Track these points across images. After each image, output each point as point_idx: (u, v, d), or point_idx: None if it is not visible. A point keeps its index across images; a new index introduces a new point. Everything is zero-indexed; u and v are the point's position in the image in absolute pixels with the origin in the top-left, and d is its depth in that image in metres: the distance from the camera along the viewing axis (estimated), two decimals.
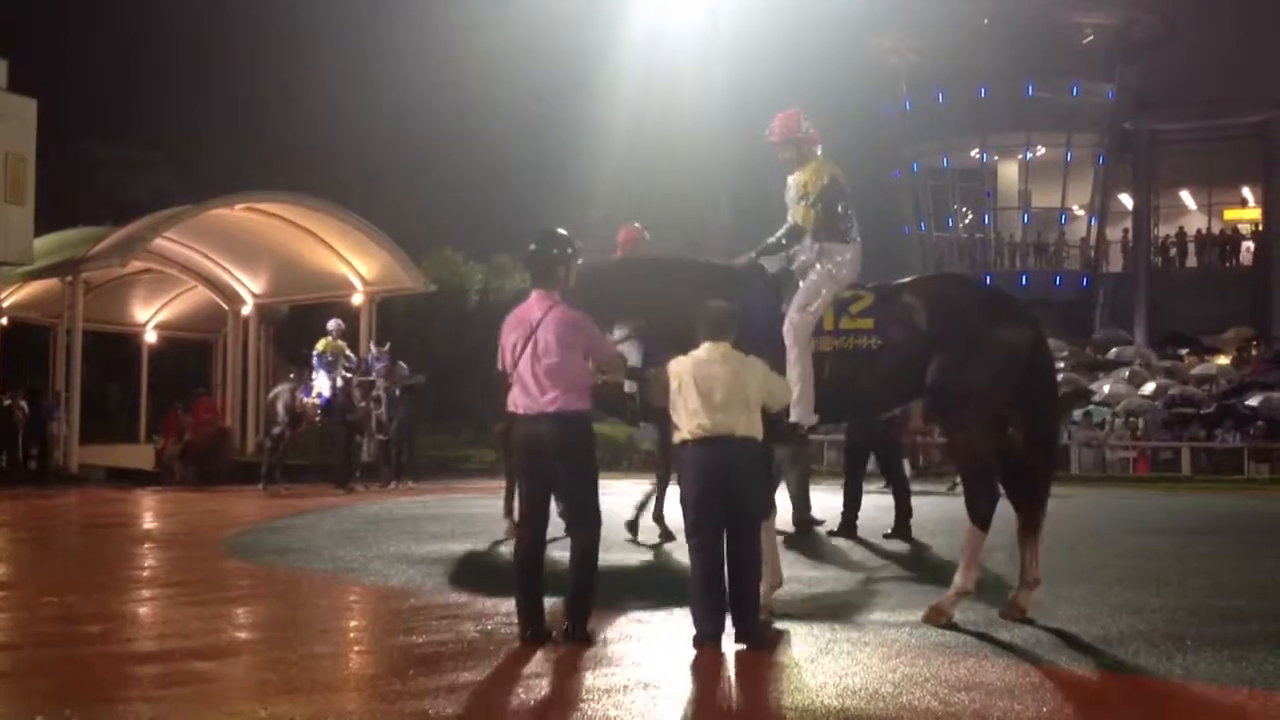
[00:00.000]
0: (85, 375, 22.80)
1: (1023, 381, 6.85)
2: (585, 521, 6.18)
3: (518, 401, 6.15)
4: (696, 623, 5.97)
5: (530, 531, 6.24)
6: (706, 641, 5.88)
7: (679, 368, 6.21)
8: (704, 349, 6.22)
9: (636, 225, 11.04)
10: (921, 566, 9.32)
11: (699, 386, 6.08)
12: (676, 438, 6.23)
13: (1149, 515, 14.89)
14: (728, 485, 6.03)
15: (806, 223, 7.29)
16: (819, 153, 7.64)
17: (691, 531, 6.11)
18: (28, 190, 22.06)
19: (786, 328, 6.97)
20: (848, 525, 11.40)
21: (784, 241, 7.36)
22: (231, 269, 25.74)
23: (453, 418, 28.69)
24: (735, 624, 5.95)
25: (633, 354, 9.63)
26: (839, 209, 7.34)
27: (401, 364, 20.00)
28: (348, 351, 19.36)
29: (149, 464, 23.54)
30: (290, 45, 39.12)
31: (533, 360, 6.08)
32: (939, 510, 12.84)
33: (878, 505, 12.14)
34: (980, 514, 6.70)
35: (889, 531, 11.24)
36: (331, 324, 19.18)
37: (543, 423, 6.08)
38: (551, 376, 6.06)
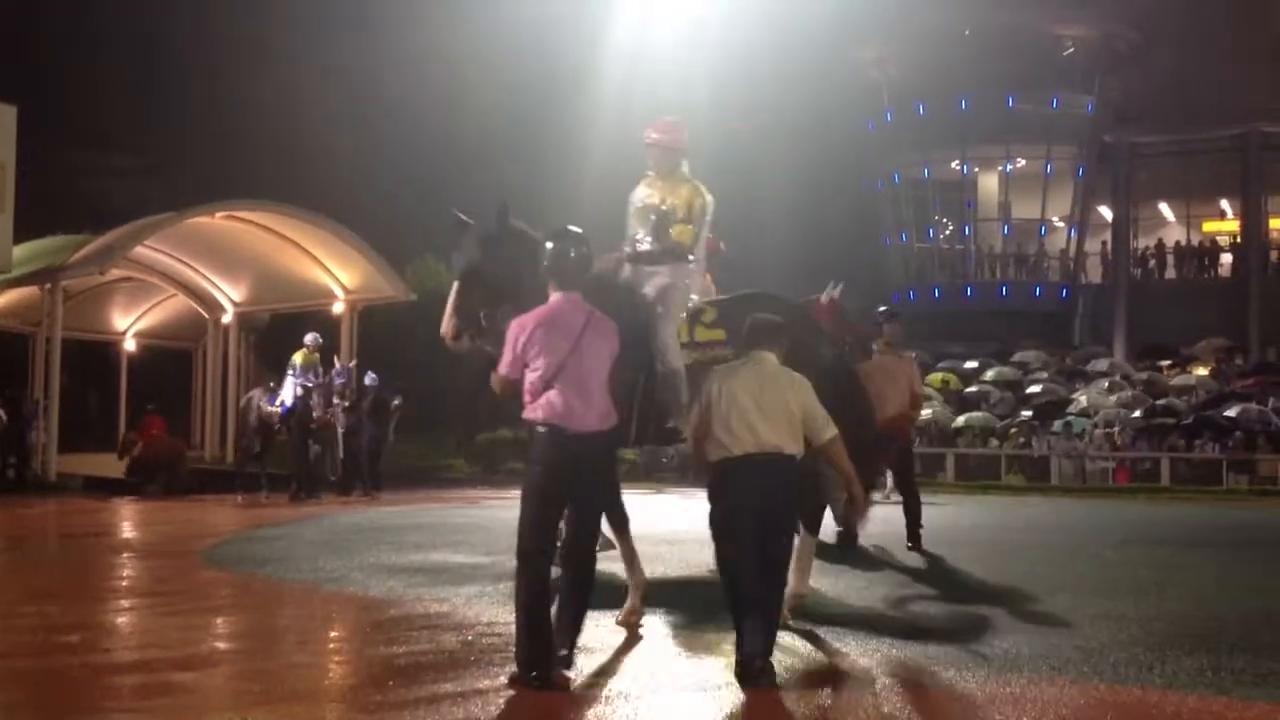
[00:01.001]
0: (64, 384, 22.68)
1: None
2: (595, 542, 5.85)
3: (563, 415, 5.50)
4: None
5: (545, 562, 5.56)
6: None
7: (720, 379, 5.85)
8: (749, 359, 5.92)
9: (709, 236, 11.06)
10: (911, 575, 9.32)
11: (741, 400, 5.72)
12: (713, 454, 5.78)
13: (1128, 526, 14.94)
14: (767, 506, 5.64)
15: (687, 243, 7.36)
16: (687, 170, 7.58)
17: (727, 553, 5.74)
18: (7, 197, 21.93)
19: (667, 341, 7.16)
20: (849, 535, 11.10)
21: (659, 256, 7.40)
22: (212, 277, 25.67)
23: (434, 428, 28.65)
24: (743, 653, 5.46)
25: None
26: (704, 234, 7.56)
27: (371, 378, 19.83)
28: (321, 367, 19.06)
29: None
30: (273, 54, 39.07)
31: (581, 370, 5.54)
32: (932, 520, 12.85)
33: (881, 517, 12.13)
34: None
35: (910, 544, 10.86)
36: (309, 338, 18.87)
37: (597, 441, 5.60)
38: (602, 389, 5.63)
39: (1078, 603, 7.76)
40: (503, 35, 36.82)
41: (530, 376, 5.56)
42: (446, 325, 6.75)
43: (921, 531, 11.03)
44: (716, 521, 5.79)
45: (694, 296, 7.64)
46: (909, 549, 10.74)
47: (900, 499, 11.54)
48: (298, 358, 18.61)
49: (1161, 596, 8.21)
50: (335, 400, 18.73)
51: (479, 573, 9.20)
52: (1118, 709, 5.24)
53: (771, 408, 5.71)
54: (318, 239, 23.72)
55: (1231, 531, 14.80)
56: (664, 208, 7.42)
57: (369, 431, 19.36)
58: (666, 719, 5.10)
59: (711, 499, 5.86)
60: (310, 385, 18.34)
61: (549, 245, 5.80)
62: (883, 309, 12.25)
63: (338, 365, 19.52)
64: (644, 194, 7.59)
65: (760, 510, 5.61)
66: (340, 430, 18.91)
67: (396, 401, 20.40)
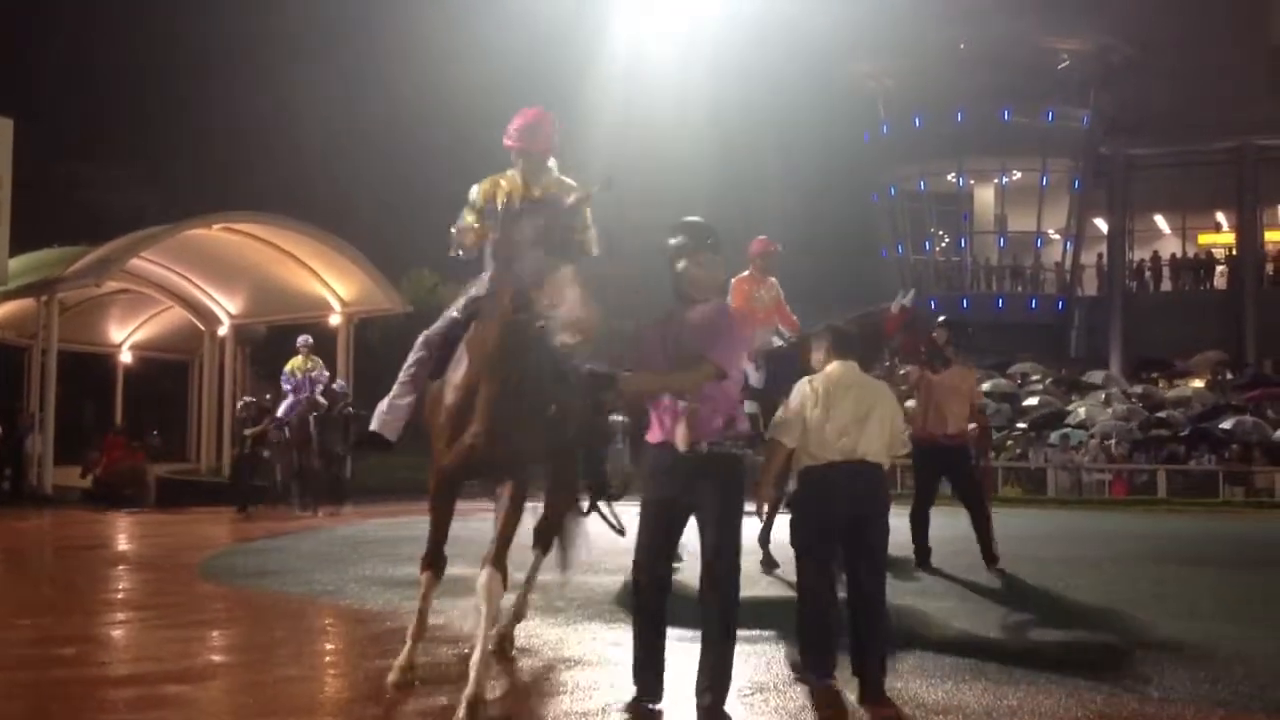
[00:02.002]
0: (60, 396, 22.64)
1: None
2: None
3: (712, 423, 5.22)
4: (812, 662, 5.72)
5: (663, 572, 5.31)
6: (822, 680, 5.64)
7: (813, 386, 5.80)
8: (837, 368, 5.87)
9: (763, 237, 11.02)
10: (908, 587, 9.30)
11: (834, 407, 5.70)
12: (803, 461, 5.74)
13: (1124, 538, 14.94)
14: (858, 513, 5.67)
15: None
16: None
17: (810, 559, 5.74)
18: (3, 210, 21.89)
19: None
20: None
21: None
22: (208, 289, 25.65)
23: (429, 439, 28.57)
24: (862, 670, 5.47)
25: (754, 375, 9.58)
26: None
27: (340, 385, 19.53)
28: (323, 370, 18.89)
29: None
30: (268, 66, 39.09)
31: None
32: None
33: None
34: None
35: (989, 563, 10.06)
36: (300, 340, 18.64)
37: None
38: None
39: (1075, 614, 7.75)
40: (500, 47, 36.88)
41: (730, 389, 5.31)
42: None
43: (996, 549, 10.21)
44: (809, 528, 5.75)
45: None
46: (991, 569, 9.92)
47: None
48: (290, 364, 18.45)
49: (1158, 609, 8.19)
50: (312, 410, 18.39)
51: (475, 585, 9.17)
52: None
53: (867, 417, 5.70)
54: (314, 251, 23.71)
55: (1226, 543, 14.79)
56: (574, 217, 6.45)
57: (337, 438, 18.71)
58: None
59: (801, 507, 5.85)
60: (301, 396, 18.18)
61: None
62: (942, 318, 11.64)
63: (339, 383, 19.50)
64: (542, 201, 6.60)
65: (852, 515, 5.65)
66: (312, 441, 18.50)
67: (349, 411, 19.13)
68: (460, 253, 6.98)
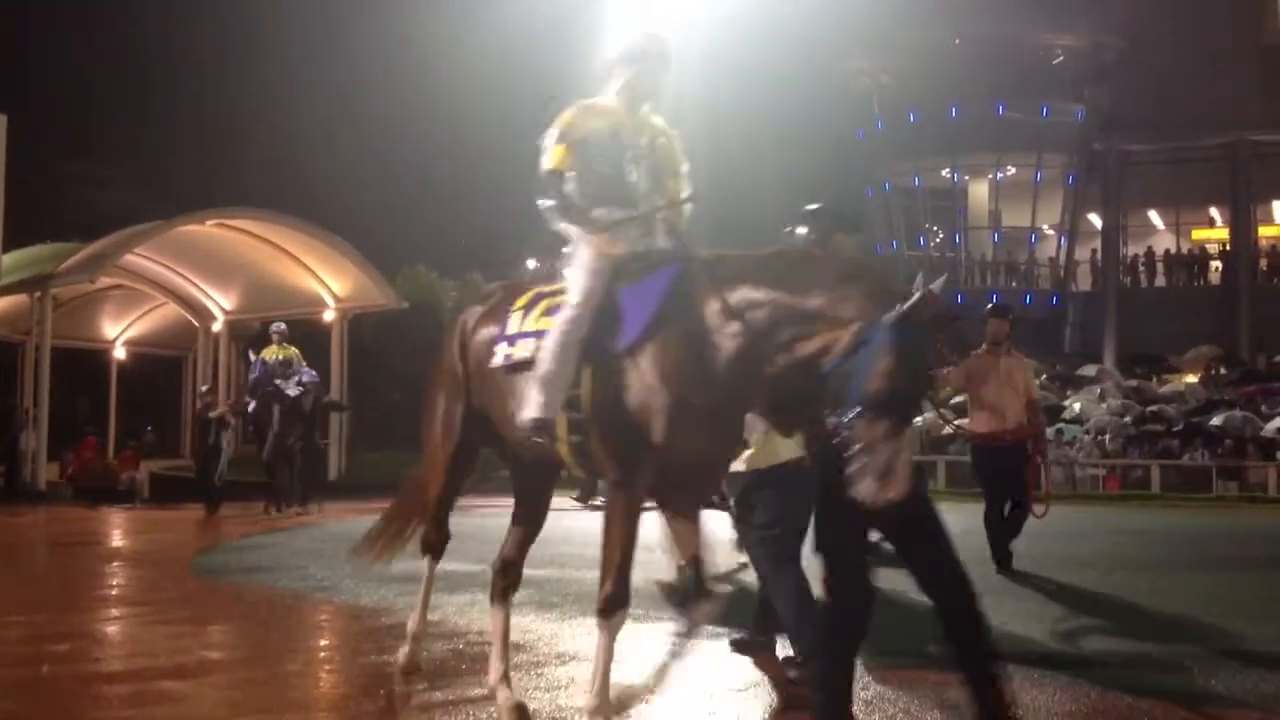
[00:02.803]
0: (53, 392, 22.62)
1: None
2: None
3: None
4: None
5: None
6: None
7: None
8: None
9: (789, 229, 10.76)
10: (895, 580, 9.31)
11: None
12: (762, 463, 5.66)
13: (1118, 533, 14.96)
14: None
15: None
16: None
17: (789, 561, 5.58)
18: None
19: None
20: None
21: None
22: (202, 285, 25.63)
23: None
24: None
25: None
26: None
27: (309, 375, 18.09)
28: (299, 361, 17.95)
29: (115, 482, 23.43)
30: (262, 61, 39.06)
31: None
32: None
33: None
34: None
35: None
36: (274, 328, 18.09)
37: None
38: None
39: (1068, 611, 7.75)
40: (494, 43, 36.83)
41: None
42: None
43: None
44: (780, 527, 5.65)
45: None
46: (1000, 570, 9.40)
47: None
48: (266, 352, 17.77)
49: (1152, 606, 8.21)
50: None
51: (470, 581, 9.16)
52: (1108, 717, 5.24)
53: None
54: (308, 247, 23.69)
55: (1219, 539, 14.81)
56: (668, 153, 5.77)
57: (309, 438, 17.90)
58: None
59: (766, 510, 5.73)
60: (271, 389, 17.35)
61: None
62: (992, 304, 10.68)
63: (308, 373, 18.16)
64: (654, 137, 5.79)
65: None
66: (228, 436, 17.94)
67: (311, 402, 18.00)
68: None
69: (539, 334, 4.80)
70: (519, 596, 8.23)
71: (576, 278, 4.84)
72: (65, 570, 11.34)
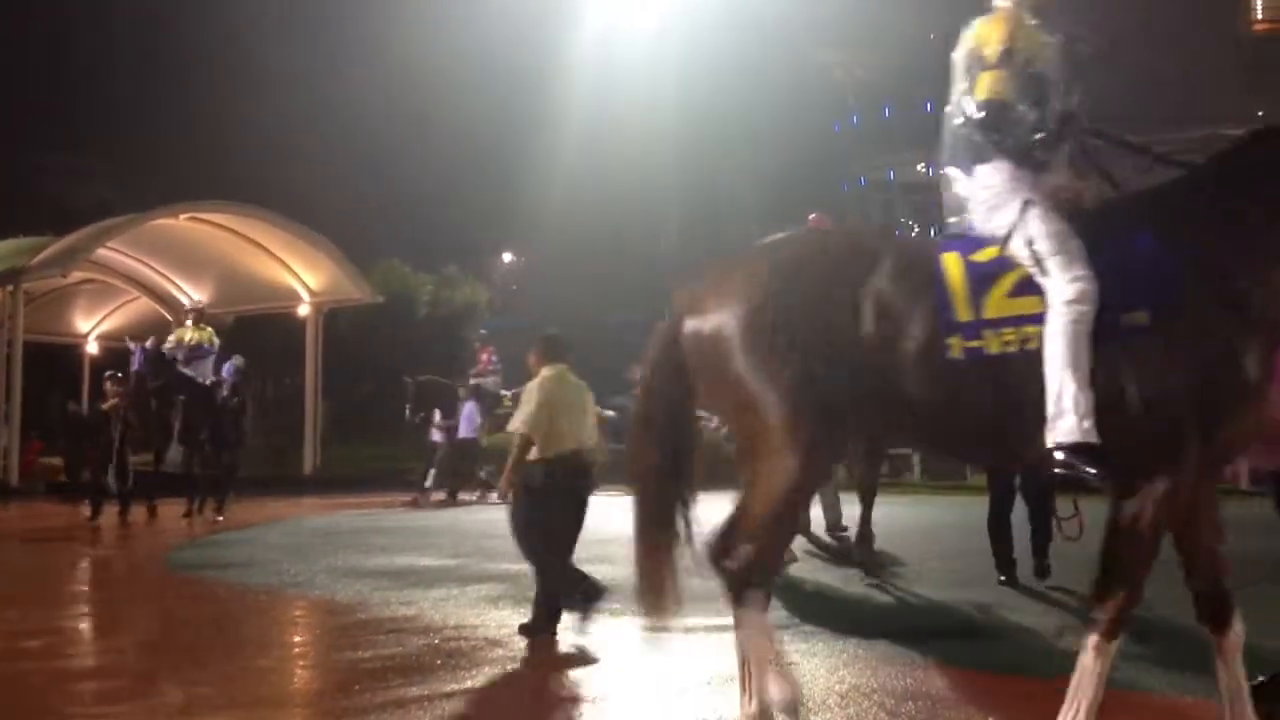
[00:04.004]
0: (26, 387, 22.44)
1: None
2: None
3: None
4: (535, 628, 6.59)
5: None
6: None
7: (541, 387, 6.76)
8: (553, 370, 6.81)
9: (816, 214, 10.60)
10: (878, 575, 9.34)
11: (559, 404, 6.72)
12: (540, 453, 6.61)
13: (1094, 525, 15.03)
14: (582, 495, 6.80)
15: None
16: None
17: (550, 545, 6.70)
18: None
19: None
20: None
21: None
22: (175, 279, 25.48)
23: (398, 429, 28.52)
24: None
25: None
26: None
27: (229, 367, 16.37)
28: (212, 344, 16.39)
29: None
30: (236, 54, 38.83)
31: None
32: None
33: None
34: None
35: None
36: (190, 304, 16.74)
37: None
38: None
39: (1044, 602, 7.79)
40: (469, 37, 36.75)
41: None
42: None
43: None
44: (546, 514, 6.69)
45: None
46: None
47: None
48: (181, 335, 16.38)
49: None
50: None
51: (446, 575, 9.16)
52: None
53: (583, 411, 6.91)
54: (282, 241, 23.59)
55: None
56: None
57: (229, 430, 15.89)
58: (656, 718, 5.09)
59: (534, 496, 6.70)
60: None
61: None
62: None
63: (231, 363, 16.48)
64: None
65: (583, 500, 6.82)
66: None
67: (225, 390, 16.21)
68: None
69: (1014, 321, 3.99)
70: (495, 591, 8.27)
71: (1044, 236, 4.05)
72: (37, 566, 11.24)
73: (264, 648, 6.75)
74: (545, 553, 6.60)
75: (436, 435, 18.81)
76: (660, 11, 37.68)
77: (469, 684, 5.44)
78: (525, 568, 9.42)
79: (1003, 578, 8.41)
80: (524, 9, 37.09)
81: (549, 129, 36.78)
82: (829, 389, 4.05)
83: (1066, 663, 6.01)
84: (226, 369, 16.22)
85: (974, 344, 3.99)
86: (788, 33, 37.53)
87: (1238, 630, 4.07)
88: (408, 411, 18.74)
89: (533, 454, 6.54)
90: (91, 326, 27.65)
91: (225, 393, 15.81)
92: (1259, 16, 43.29)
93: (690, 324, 4.35)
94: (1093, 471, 3.98)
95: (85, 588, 9.72)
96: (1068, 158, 4.58)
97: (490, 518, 15.18)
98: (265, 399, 32.28)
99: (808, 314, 4.11)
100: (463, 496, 18.50)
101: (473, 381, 19.94)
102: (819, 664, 5.86)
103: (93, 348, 27.82)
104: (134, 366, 15.49)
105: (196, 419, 15.29)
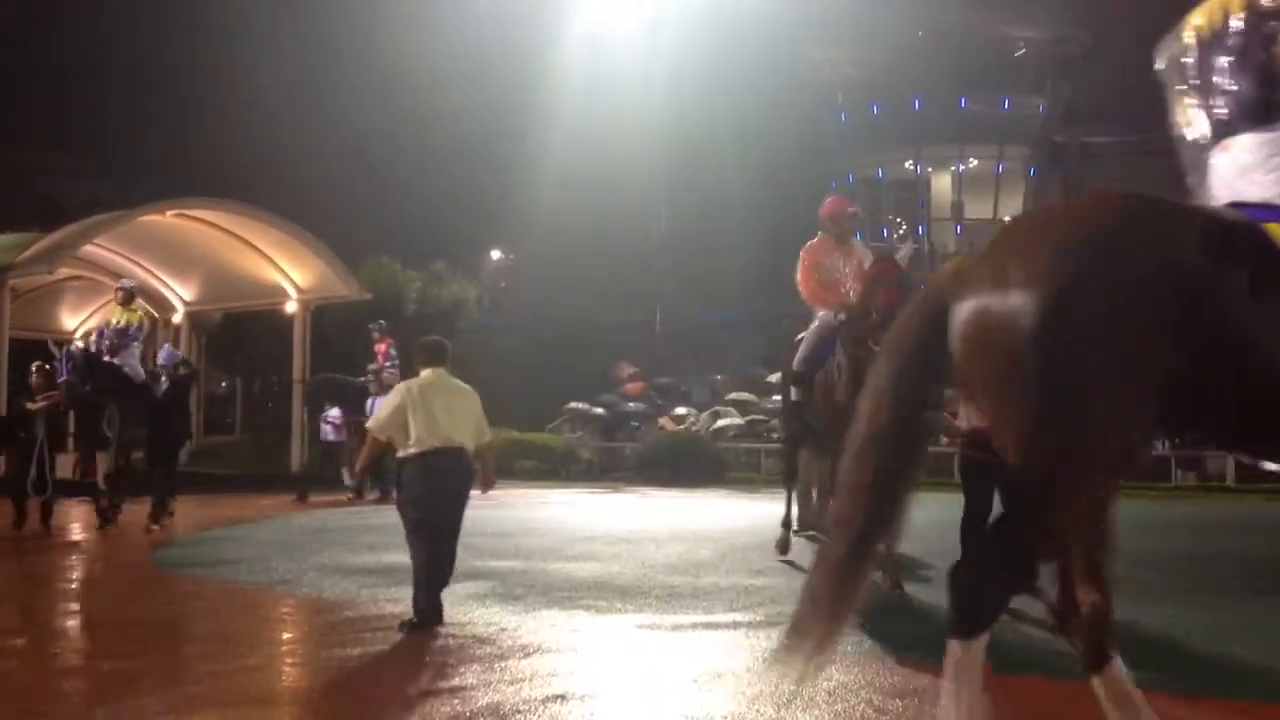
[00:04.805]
0: (11, 383, 22.35)
1: None
2: None
3: None
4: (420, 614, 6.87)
5: None
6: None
7: (410, 389, 7.18)
8: (429, 374, 7.20)
9: (836, 195, 10.32)
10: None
11: (431, 405, 7.07)
12: (409, 449, 6.93)
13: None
14: (456, 488, 7.15)
15: None
16: None
17: (421, 532, 7.08)
18: None
19: None
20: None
21: None
22: (162, 276, 25.39)
23: None
24: None
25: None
26: None
27: (166, 354, 15.04)
28: (141, 327, 14.47)
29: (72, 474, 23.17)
30: (225, 52, 38.75)
31: None
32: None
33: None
34: None
35: None
36: (120, 283, 14.77)
37: None
38: None
39: (1028, 599, 7.80)
40: (460, 34, 36.73)
41: None
42: None
43: None
44: (419, 504, 7.06)
45: None
46: None
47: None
48: (108, 313, 14.44)
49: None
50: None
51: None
52: (1069, 702, 5.29)
53: (458, 411, 7.29)
54: (270, 238, 23.52)
55: (1172, 528, 14.95)
56: None
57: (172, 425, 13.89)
58: (620, 718, 5.09)
59: (410, 487, 7.15)
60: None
61: None
62: None
63: (166, 351, 15.34)
64: None
65: (458, 492, 7.16)
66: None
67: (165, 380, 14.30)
68: None
69: None
70: (482, 589, 8.27)
71: None
72: (22, 563, 11.20)
73: (252, 646, 6.74)
74: (418, 541, 6.99)
75: (329, 433, 18.44)
76: (650, 9, 37.72)
77: (456, 681, 5.45)
78: (512, 565, 9.48)
79: None
80: (514, 6, 37.09)
81: (538, 126, 36.80)
82: (1162, 389, 3.41)
83: (1051, 660, 6.06)
84: (165, 355, 14.73)
85: None
86: (777, 31, 37.59)
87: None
88: (306, 413, 18.46)
89: (406, 451, 6.99)
90: (78, 323, 27.55)
91: (164, 387, 13.84)
92: None
93: (970, 305, 3.56)
94: None
95: (71, 585, 9.69)
96: None
97: (477, 515, 15.16)
98: (253, 396, 32.27)
99: (1138, 294, 3.40)
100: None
101: (371, 376, 19.25)
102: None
103: (79, 345, 27.73)
104: (60, 376, 13.47)
105: (132, 420, 13.41)
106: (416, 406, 6.96)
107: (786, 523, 10.04)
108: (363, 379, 19.52)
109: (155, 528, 12.92)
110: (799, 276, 9.51)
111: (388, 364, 19.96)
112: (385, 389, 18.41)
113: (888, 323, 7.79)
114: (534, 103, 37.27)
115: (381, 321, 20.88)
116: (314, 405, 18.26)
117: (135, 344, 13.88)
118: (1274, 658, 6.06)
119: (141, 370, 13.99)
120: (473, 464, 7.16)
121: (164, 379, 14.10)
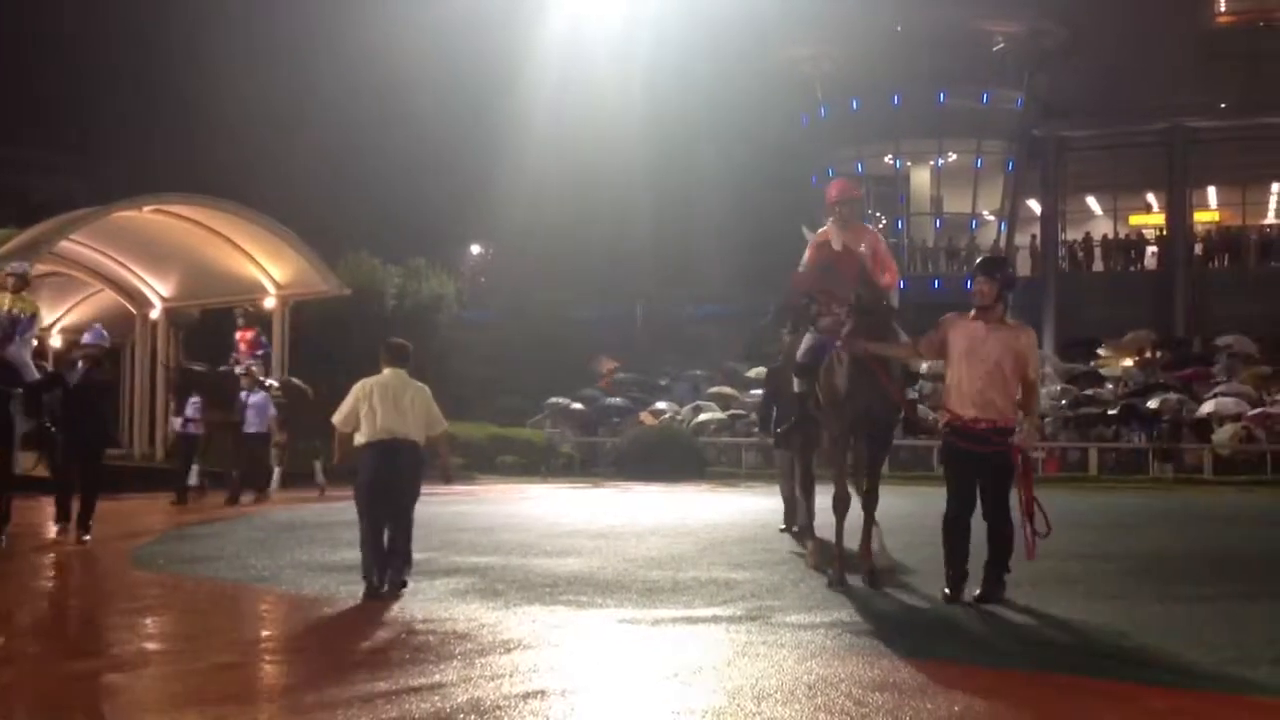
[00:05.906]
0: None
1: None
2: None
3: None
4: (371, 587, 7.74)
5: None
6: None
7: (366, 387, 7.96)
8: (389, 373, 7.97)
9: (842, 179, 10.18)
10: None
11: (385, 400, 7.90)
12: (362, 440, 7.84)
13: (1057, 516, 15.14)
14: (401, 479, 7.97)
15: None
16: None
17: (368, 517, 7.98)
18: None
19: None
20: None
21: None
22: (140, 272, 25.26)
23: None
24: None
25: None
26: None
27: (92, 334, 12.87)
28: (32, 316, 11.93)
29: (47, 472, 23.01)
30: (202, 47, 38.56)
31: None
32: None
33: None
34: None
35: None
36: (10, 267, 12.29)
37: None
38: None
39: (1008, 594, 7.84)
40: (437, 32, 36.61)
41: None
42: None
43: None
44: (366, 492, 7.99)
45: None
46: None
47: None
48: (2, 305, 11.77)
49: (1089, 591, 8.31)
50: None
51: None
52: (1046, 695, 5.31)
53: (408, 407, 8.12)
54: (248, 233, 23.42)
55: (1152, 520, 15.04)
56: None
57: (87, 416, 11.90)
58: (600, 714, 5.09)
59: (361, 475, 8.04)
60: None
61: None
62: (981, 259, 9.16)
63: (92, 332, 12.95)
64: None
65: (406, 480, 8.04)
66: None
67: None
68: None
69: None
70: (462, 584, 8.27)
71: None
72: (1, 562, 11.12)
73: (231, 643, 6.72)
74: (363, 523, 7.83)
75: (178, 424, 17.80)
76: (628, 4, 37.71)
77: (437, 677, 5.44)
78: (492, 561, 9.48)
79: (947, 590, 7.41)
80: (493, 4, 37.01)
81: (517, 121, 36.73)
82: None
83: (1032, 654, 6.10)
84: (92, 335, 12.71)
85: None
86: (755, 27, 37.62)
87: None
88: (172, 406, 18.09)
89: (358, 439, 7.88)
90: (55, 319, 27.39)
91: (77, 379, 11.98)
92: (1222, 9, 43.74)
93: None
94: None
95: (51, 583, 9.64)
96: None
97: (458, 510, 15.17)
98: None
99: None
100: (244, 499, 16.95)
101: (238, 369, 18.63)
102: (787, 654, 5.89)
103: (55, 341, 27.57)
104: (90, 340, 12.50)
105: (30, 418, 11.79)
106: (368, 402, 7.78)
107: (810, 531, 9.63)
108: (224, 368, 19.14)
109: (87, 538, 11.52)
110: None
111: (253, 356, 19.51)
112: (255, 384, 18.02)
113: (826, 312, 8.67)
114: (513, 98, 37.19)
115: (247, 308, 20.37)
116: (180, 397, 17.78)
117: (27, 335, 11.79)
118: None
119: (34, 368, 11.96)
120: (421, 455, 7.98)
121: (79, 365, 12.29)
